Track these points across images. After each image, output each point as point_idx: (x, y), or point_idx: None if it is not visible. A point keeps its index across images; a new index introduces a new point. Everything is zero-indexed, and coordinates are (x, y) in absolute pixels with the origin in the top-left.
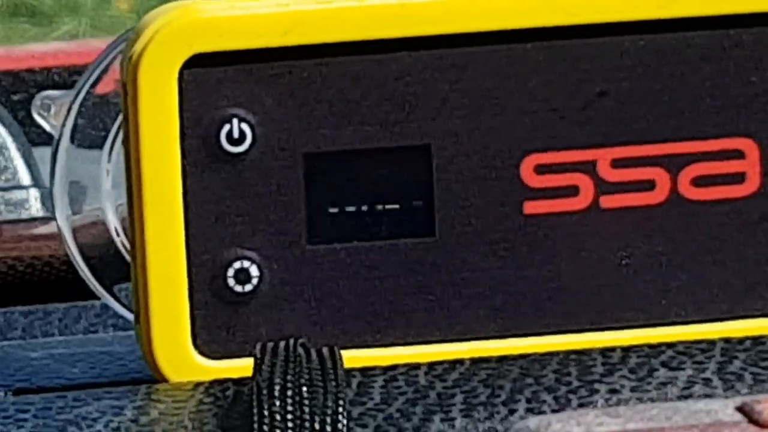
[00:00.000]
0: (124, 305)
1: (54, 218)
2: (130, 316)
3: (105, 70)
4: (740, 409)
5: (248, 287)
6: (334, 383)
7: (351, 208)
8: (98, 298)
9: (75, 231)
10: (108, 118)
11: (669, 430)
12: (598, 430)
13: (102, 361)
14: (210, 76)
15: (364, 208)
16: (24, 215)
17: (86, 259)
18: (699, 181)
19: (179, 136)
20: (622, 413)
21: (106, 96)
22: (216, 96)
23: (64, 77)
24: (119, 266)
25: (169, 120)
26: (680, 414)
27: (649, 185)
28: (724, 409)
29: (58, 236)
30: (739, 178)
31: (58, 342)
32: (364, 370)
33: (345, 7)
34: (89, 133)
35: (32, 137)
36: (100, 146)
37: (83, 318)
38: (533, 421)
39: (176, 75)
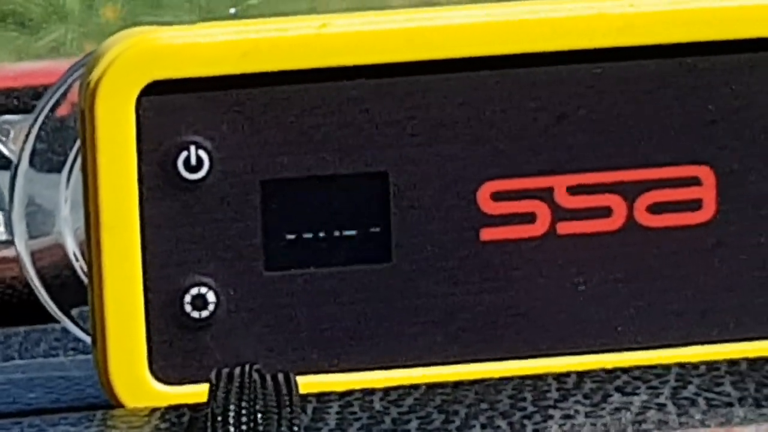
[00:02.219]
0: (82, 329)
1: (13, 242)
2: (89, 340)
3: (64, 94)
4: None
5: (205, 313)
6: (288, 409)
7: (308, 235)
8: (59, 322)
9: (34, 255)
10: (67, 141)
11: None
12: None
13: (60, 386)
14: (168, 103)
15: (321, 234)
16: None
17: (45, 283)
18: (655, 208)
19: (137, 162)
20: None
21: (65, 119)
22: (173, 123)
23: (24, 100)
24: (78, 290)
25: (127, 146)
26: None
27: (605, 212)
28: None
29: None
30: (695, 205)
31: (17, 366)
32: (320, 396)
33: (302, 35)
34: (48, 157)
35: None
36: (59, 170)
37: (43, 341)
38: None
39: (134, 102)
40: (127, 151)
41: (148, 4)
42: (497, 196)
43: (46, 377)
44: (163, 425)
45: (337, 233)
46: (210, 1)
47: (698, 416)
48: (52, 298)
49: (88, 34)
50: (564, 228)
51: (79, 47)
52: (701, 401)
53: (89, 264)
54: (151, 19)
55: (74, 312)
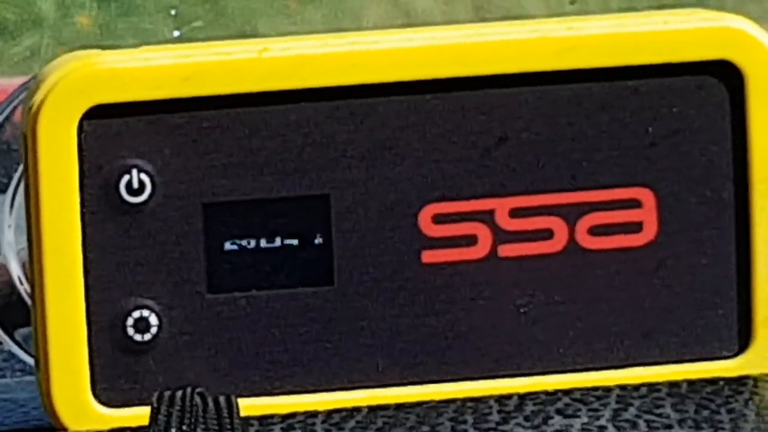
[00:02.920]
0: (27, 351)
1: None
2: (33, 362)
3: (8, 118)
4: None
5: (147, 336)
6: None
7: (250, 257)
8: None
9: None
10: (11, 164)
11: None
12: None
13: (4, 408)
14: (109, 127)
15: (264, 257)
16: None
17: None
18: (596, 230)
19: (79, 186)
20: None
21: (10, 142)
22: (116, 146)
23: None
24: (22, 312)
25: (69, 170)
26: None
27: (546, 234)
28: None
29: None
30: (636, 227)
31: None
32: (262, 419)
33: (244, 59)
34: None
35: None
36: (3, 192)
37: None
38: None
39: (76, 126)
40: (69, 175)
41: (123, 11)
42: (439, 219)
43: None
44: None
45: (279, 256)
46: (185, 7)
47: None
48: None
49: (63, 40)
50: (506, 250)
51: (55, 53)
52: (642, 423)
53: (32, 286)
54: (126, 26)
55: (20, 333)
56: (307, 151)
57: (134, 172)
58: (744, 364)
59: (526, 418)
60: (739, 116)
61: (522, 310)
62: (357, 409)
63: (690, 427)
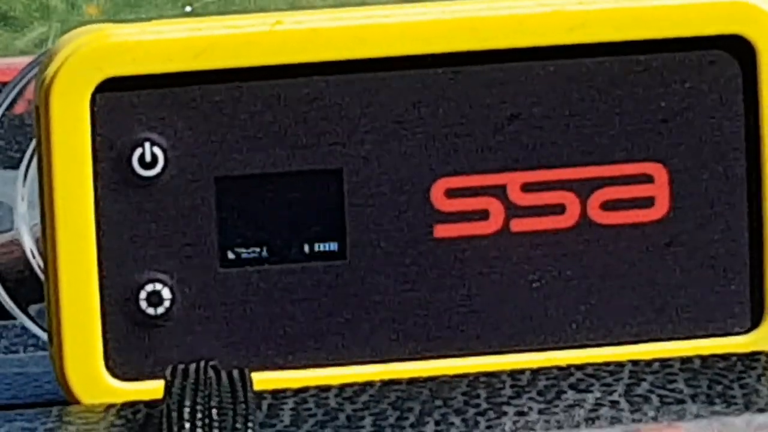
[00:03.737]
0: (40, 326)
1: None
2: (46, 337)
3: (21, 91)
4: None
5: (160, 310)
6: (243, 405)
7: (263, 232)
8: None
9: None
10: (24, 139)
11: None
12: None
13: (18, 382)
14: (122, 100)
15: (276, 231)
16: None
17: (2, 280)
18: (608, 206)
19: (92, 159)
20: None
21: (21, 116)
22: (128, 120)
23: None
24: (36, 287)
25: (82, 143)
26: None
27: (559, 209)
28: None
29: None
30: (648, 202)
31: None
32: (275, 393)
33: (256, 32)
34: (6, 154)
35: None
36: (17, 167)
37: (3, 338)
38: None
39: (88, 99)
40: (82, 148)
41: (131, 1)
42: (451, 193)
43: (3, 373)
44: (118, 421)
45: (291, 230)
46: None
47: (651, 413)
48: (10, 295)
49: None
50: (518, 225)
51: None
52: (654, 398)
53: (45, 261)
54: (133, 16)
55: (34, 308)
56: (320, 125)
57: (147, 145)
58: (756, 340)
59: (539, 393)
60: (752, 91)
61: (534, 285)
62: (370, 383)
63: (703, 402)
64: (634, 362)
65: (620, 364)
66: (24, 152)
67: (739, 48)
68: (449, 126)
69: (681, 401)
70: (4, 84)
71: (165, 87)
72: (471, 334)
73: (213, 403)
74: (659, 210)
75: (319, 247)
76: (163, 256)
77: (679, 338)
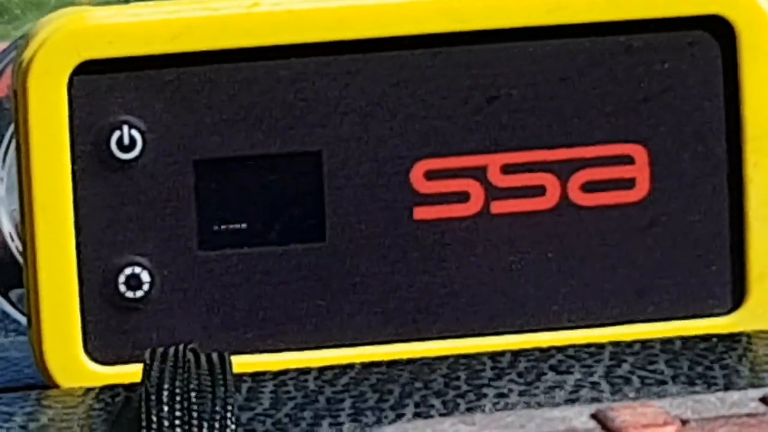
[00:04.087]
0: (20, 310)
1: None
2: (26, 321)
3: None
4: (594, 416)
5: (139, 293)
6: (222, 388)
7: (242, 214)
8: None
9: None
10: (2, 123)
11: None
12: None
13: None
14: (100, 83)
15: (255, 213)
16: None
17: None
18: (588, 187)
19: (69, 142)
20: (478, 421)
21: (1, 101)
22: (106, 103)
23: None
24: (15, 271)
25: (59, 127)
26: (535, 421)
27: (539, 191)
28: (579, 416)
29: None
30: (628, 183)
31: None
32: (255, 375)
33: (234, 14)
34: None
35: None
36: None
37: None
38: (389, 429)
39: (66, 82)
40: (60, 131)
41: None
42: (431, 175)
43: None
44: (97, 405)
45: (270, 213)
46: None
47: (632, 394)
48: None
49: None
50: (498, 207)
51: None
52: (635, 379)
53: (24, 244)
54: None
55: (15, 294)
56: (299, 107)
57: (125, 128)
58: (737, 321)
59: (519, 375)
60: (732, 72)
61: (514, 267)
62: (350, 366)
63: (683, 383)
64: (615, 344)
65: (601, 346)
66: (2, 136)
67: (719, 28)
68: (429, 108)
69: (662, 382)
70: None
71: (143, 69)
72: (451, 316)
73: (192, 386)
74: (640, 191)
75: (298, 229)
76: (141, 239)
77: (659, 320)
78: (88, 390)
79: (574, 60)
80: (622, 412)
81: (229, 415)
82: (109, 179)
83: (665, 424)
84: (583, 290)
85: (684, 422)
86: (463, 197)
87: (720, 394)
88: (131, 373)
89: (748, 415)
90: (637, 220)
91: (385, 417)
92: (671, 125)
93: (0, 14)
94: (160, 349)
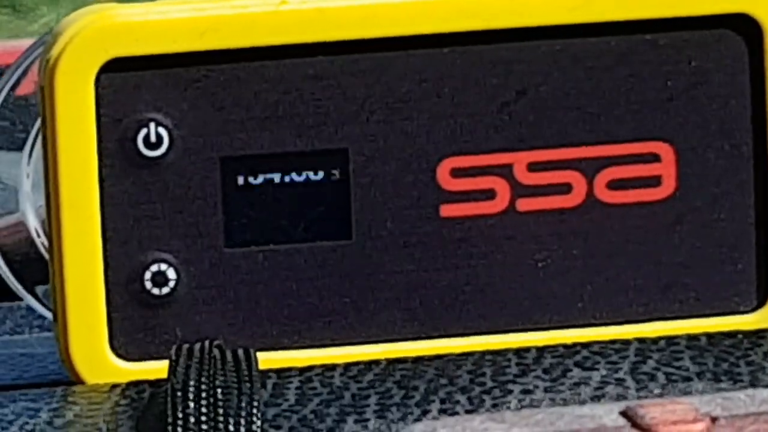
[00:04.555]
0: (46, 306)
1: None
2: (52, 317)
3: (25, 72)
4: (624, 413)
5: (165, 290)
6: (248, 385)
7: (268, 212)
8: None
9: None
10: (29, 119)
11: None
12: None
13: (22, 362)
14: (127, 81)
15: (282, 211)
16: None
17: (8, 260)
18: (615, 185)
19: (96, 139)
20: (507, 419)
21: (27, 97)
22: (133, 100)
23: None
24: (41, 267)
25: (87, 124)
26: (564, 419)
27: (565, 188)
28: (609, 414)
29: None
30: (654, 181)
31: None
32: (280, 372)
33: (262, 11)
34: (10, 135)
35: None
36: (20, 148)
37: (9, 319)
38: (418, 427)
39: (93, 79)
40: (87, 129)
41: None
42: (457, 173)
43: (9, 354)
44: (123, 401)
45: (297, 210)
46: None
47: (657, 390)
48: (16, 276)
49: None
50: (524, 204)
51: None
52: (660, 376)
53: (50, 241)
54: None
55: (40, 289)
56: (325, 105)
57: (152, 125)
58: (763, 318)
59: (545, 371)
60: (758, 70)
61: (540, 264)
62: (375, 362)
63: (709, 380)
64: (641, 340)
65: (626, 342)
66: (27, 134)
67: (745, 26)
68: (455, 105)
69: (687, 379)
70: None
71: (170, 67)
72: (476, 313)
73: (218, 383)
74: (666, 189)
75: (325, 226)
76: (168, 236)
77: (685, 317)
78: (114, 386)
79: (600, 58)
80: (652, 410)
81: (254, 411)
82: (135, 176)
83: (695, 420)
84: (608, 287)
85: (714, 419)
86: (489, 195)
87: (750, 391)
88: (157, 369)
89: None
90: (663, 218)
91: (411, 413)
92: (697, 123)
93: (13, 8)
94: (186, 346)
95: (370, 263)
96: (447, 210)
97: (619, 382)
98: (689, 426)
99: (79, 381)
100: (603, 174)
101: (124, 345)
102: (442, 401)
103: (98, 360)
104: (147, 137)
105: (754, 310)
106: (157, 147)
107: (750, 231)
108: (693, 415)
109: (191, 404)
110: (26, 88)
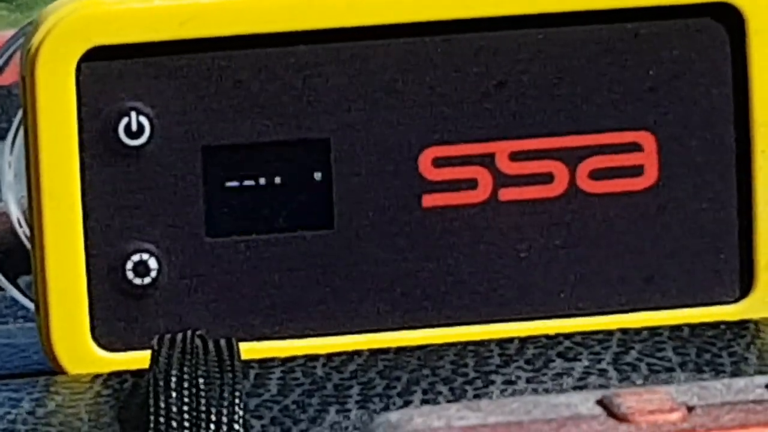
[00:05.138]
0: (29, 297)
1: None
2: (33, 307)
3: (7, 62)
4: (600, 402)
5: (147, 280)
6: (230, 375)
7: (249, 201)
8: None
9: None
10: (11, 109)
11: (528, 424)
12: (458, 424)
13: (5, 353)
14: (108, 69)
15: (263, 200)
16: None
17: None
18: (597, 174)
19: (77, 129)
20: (483, 407)
21: (9, 87)
22: (114, 89)
23: None
24: (24, 258)
25: (67, 113)
26: (540, 408)
27: (547, 178)
28: (585, 402)
29: None
30: (636, 171)
31: None
32: (262, 362)
33: (244, 0)
34: None
35: None
36: (2, 138)
37: None
38: (394, 415)
39: (74, 68)
40: (68, 118)
41: None
42: (439, 162)
43: None
44: (105, 391)
45: (278, 199)
46: None
47: (639, 381)
48: None
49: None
50: (506, 194)
51: None
52: (643, 366)
53: (32, 231)
54: None
55: (24, 280)
56: (307, 94)
57: (133, 114)
58: (745, 309)
59: (527, 362)
60: (740, 59)
61: (522, 255)
62: (357, 353)
63: (691, 371)
64: (623, 331)
65: (609, 333)
66: (9, 124)
67: (727, 16)
68: (437, 95)
69: (670, 369)
70: None
71: (151, 56)
72: (459, 303)
73: (200, 373)
74: (648, 179)
75: (306, 216)
76: (149, 225)
77: (667, 307)
78: (96, 376)
79: (582, 47)
80: (628, 399)
81: (237, 401)
82: (116, 166)
83: (671, 410)
84: (591, 277)
85: (690, 408)
86: (471, 184)
87: (726, 380)
88: (139, 359)
89: (754, 401)
90: (646, 208)
91: (393, 404)
92: (679, 112)
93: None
94: (168, 336)
95: (352, 253)
96: (429, 200)
97: (602, 372)
98: (666, 415)
99: (61, 371)
100: (585, 164)
101: (106, 335)
102: (425, 392)
103: (80, 350)
104: (128, 126)
105: (736, 300)
106: (138, 136)
107: (733, 221)
108: (669, 405)
109: (173, 394)
110: (9, 78)
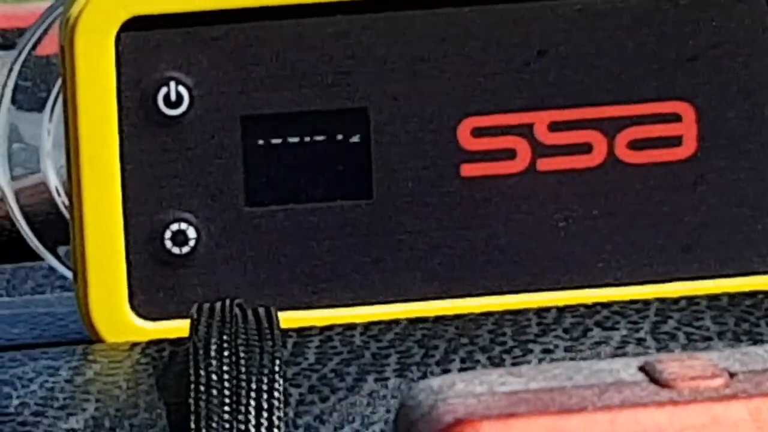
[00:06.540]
0: (67, 266)
1: None
2: (72, 276)
3: (46, 32)
4: (642, 368)
5: (185, 249)
6: (270, 343)
7: (288, 171)
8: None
9: (18, 192)
10: (50, 79)
11: (570, 389)
12: (500, 390)
13: (43, 321)
14: (147, 39)
15: (302, 170)
16: None
17: (29, 220)
18: (636, 145)
19: (116, 98)
20: (525, 373)
21: (48, 57)
22: (153, 59)
23: (8, 38)
24: (62, 227)
25: (107, 82)
26: (582, 373)
27: (585, 148)
28: (627, 368)
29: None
30: (675, 141)
31: (2, 303)
32: (300, 331)
33: None
34: (31, 95)
35: None
36: (42, 108)
37: (30, 279)
38: (436, 381)
39: (113, 38)
40: (107, 88)
41: None
42: (477, 132)
43: (30, 313)
44: (143, 359)
45: (317, 169)
46: None
47: (678, 350)
48: (37, 236)
49: None
50: (544, 164)
51: None
52: (681, 335)
53: (70, 201)
54: None
55: (62, 250)
56: (346, 64)
57: (172, 84)
58: None
59: (565, 330)
60: None
61: (560, 224)
62: (395, 322)
63: (729, 340)
64: (661, 300)
65: (647, 302)
66: (48, 94)
67: None
68: (476, 65)
69: (708, 338)
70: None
71: (190, 26)
72: (497, 272)
73: (239, 341)
74: (687, 149)
75: (345, 186)
76: (188, 195)
77: (705, 277)
78: (134, 344)
79: (621, 17)
80: (670, 365)
81: (276, 369)
82: (155, 135)
83: (713, 376)
84: (629, 247)
85: (732, 375)
86: (509, 154)
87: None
88: (176, 328)
89: None
90: (684, 178)
91: (431, 372)
92: (718, 83)
93: None
94: (207, 305)
95: (390, 223)
96: (467, 170)
97: (640, 341)
98: (707, 381)
99: (99, 340)
100: (624, 134)
101: (144, 304)
102: (462, 360)
103: (118, 319)
104: (167, 96)
105: None
106: (177, 106)
107: None
108: (711, 371)
109: (213, 362)
110: (48, 48)
